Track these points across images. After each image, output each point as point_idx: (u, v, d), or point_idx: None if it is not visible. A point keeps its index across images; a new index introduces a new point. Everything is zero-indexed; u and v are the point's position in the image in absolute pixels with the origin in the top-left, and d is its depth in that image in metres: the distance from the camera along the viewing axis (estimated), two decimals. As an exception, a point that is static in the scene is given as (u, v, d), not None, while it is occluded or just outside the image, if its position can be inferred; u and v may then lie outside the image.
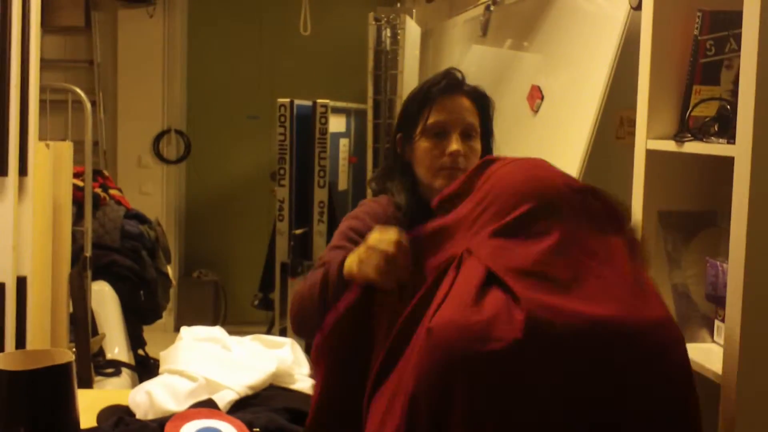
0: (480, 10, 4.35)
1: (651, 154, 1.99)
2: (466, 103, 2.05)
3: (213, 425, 2.08)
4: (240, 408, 2.20)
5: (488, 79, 4.04)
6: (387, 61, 4.83)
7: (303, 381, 2.40)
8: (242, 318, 6.37)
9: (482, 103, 2.10)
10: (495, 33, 4.18)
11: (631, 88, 2.09)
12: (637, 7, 2.16)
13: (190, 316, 6.28)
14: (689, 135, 1.88)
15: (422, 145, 2.05)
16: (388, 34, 4.85)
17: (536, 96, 3.28)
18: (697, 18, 1.93)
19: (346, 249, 1.83)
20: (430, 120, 2.04)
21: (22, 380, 1.95)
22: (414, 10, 5.41)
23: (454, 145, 2.00)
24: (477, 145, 2.05)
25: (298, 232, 4.87)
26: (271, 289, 5.14)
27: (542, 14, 3.47)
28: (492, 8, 4.18)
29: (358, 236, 1.93)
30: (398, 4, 5.66)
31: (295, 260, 4.85)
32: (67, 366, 1.98)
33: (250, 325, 5.03)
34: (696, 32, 1.93)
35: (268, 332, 4.81)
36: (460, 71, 2.11)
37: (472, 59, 4.48)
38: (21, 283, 2.96)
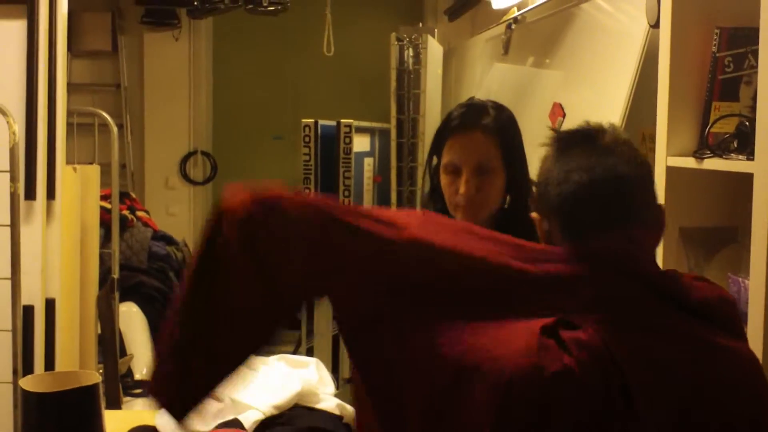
0: (502, 28, 4.37)
1: (671, 171, 2.00)
2: (480, 138, 2.02)
3: (236, 445, 2.10)
4: (265, 428, 2.21)
5: (510, 97, 4.05)
6: (410, 81, 4.86)
7: (328, 401, 2.41)
8: (269, 338, 6.39)
9: (503, 134, 2.06)
10: (517, 51, 4.19)
11: (652, 105, 2.10)
12: (655, 25, 2.17)
13: (217, 336, 6.29)
14: (709, 151, 1.88)
15: (442, 179, 2.07)
16: (411, 54, 4.88)
17: (558, 113, 3.28)
18: (715, 35, 1.93)
19: None
20: (444, 159, 2.06)
21: (49, 402, 1.98)
22: (436, 30, 5.44)
23: (463, 187, 2.00)
24: (494, 179, 2.03)
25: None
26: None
27: (563, 32, 3.48)
28: (513, 26, 4.19)
29: None
30: (420, 24, 5.68)
31: (322, 279, 4.86)
32: (93, 387, 2.01)
33: (276, 345, 5.04)
34: (714, 49, 1.94)
35: (295, 352, 4.82)
36: (481, 101, 2.10)
37: (494, 77, 4.49)
38: (50, 305, 3.00)
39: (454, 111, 2.10)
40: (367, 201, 5.30)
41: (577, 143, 1.38)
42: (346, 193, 4.91)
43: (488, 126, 2.03)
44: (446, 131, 2.07)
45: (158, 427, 2.27)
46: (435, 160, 2.16)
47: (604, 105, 2.89)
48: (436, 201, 2.15)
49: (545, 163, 1.41)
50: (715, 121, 1.92)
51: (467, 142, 2.02)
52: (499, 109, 2.10)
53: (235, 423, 2.19)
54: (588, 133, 1.39)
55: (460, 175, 2.02)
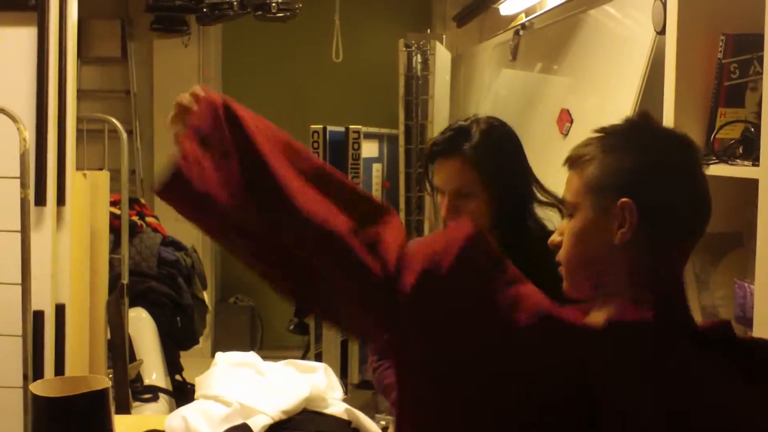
0: (510, 34, 4.38)
1: (677, 177, 2.00)
2: (458, 165, 2.08)
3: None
4: (274, 432, 2.22)
5: (518, 103, 4.06)
6: (418, 87, 4.87)
7: (336, 405, 2.42)
8: (278, 343, 6.40)
9: (485, 158, 2.10)
10: (525, 57, 4.20)
11: (659, 111, 2.11)
12: (662, 32, 2.18)
13: (226, 341, 6.32)
14: (714, 157, 1.89)
15: (436, 196, 2.19)
16: (419, 60, 4.89)
17: (566, 119, 3.29)
18: (721, 42, 1.94)
19: None
20: (433, 179, 2.16)
21: (59, 406, 1.99)
22: (444, 36, 5.46)
23: (443, 210, 2.10)
24: (473, 202, 2.08)
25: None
26: (307, 313, 5.16)
27: (571, 38, 3.49)
28: (521, 33, 4.21)
29: None
30: (428, 30, 5.70)
31: (330, 285, 4.87)
32: (103, 392, 2.02)
33: (286, 350, 5.06)
34: (720, 55, 1.95)
35: (304, 357, 4.84)
36: (467, 124, 2.14)
37: (503, 83, 4.50)
38: (59, 310, 3.01)
39: (439, 135, 2.18)
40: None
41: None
42: (355, 198, 4.91)
43: (468, 152, 2.09)
44: (431, 155, 2.16)
45: (168, 431, 2.28)
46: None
47: (612, 111, 2.90)
48: None
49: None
50: (720, 127, 1.93)
51: (447, 168, 2.11)
52: (488, 129, 2.14)
53: (244, 427, 2.20)
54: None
55: (443, 196, 2.12)
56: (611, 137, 1.34)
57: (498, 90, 4.57)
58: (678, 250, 1.31)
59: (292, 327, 5.44)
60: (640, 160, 1.29)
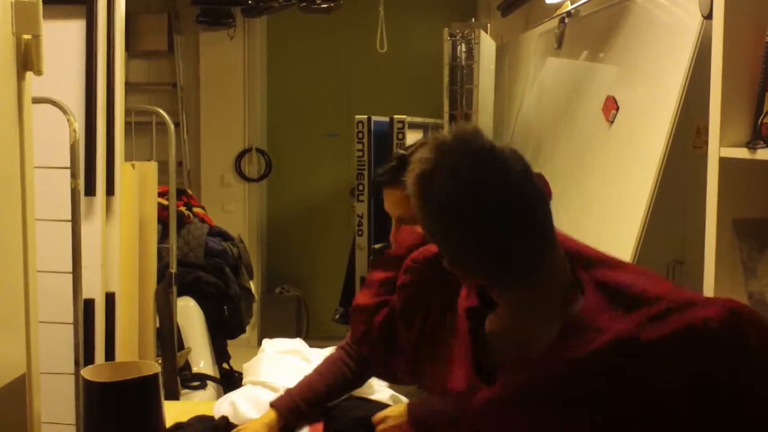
0: (555, 22, 4.36)
1: (724, 162, 1.99)
2: (398, 194, 2.13)
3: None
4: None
5: (564, 92, 4.04)
6: (462, 76, 4.85)
7: (382, 392, 2.44)
8: (324, 332, 6.44)
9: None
10: (570, 45, 4.18)
11: (706, 98, 2.09)
12: (708, 16, 2.16)
13: (272, 331, 6.35)
14: (762, 142, 1.87)
15: None
16: (464, 49, 4.87)
17: (611, 107, 3.27)
18: (769, 25, 1.92)
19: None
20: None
21: (110, 391, 2.03)
22: (489, 25, 5.43)
23: (392, 233, 2.19)
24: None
25: (377, 246, 4.90)
26: (352, 303, 5.18)
27: (616, 25, 3.47)
28: (567, 21, 4.18)
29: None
30: (473, 20, 5.68)
31: (375, 274, 4.88)
32: (153, 377, 2.06)
33: (331, 340, 5.05)
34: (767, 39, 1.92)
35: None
36: (407, 153, 2.17)
37: (548, 72, 4.48)
38: (109, 299, 3.05)
39: (383, 165, 2.25)
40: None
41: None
42: (400, 188, 4.92)
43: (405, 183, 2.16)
44: (378, 183, 2.27)
45: (216, 416, 2.32)
46: None
47: (658, 98, 2.88)
48: None
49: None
50: (768, 112, 1.91)
51: (391, 197, 2.19)
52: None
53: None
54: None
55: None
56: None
57: (543, 78, 4.55)
58: None
59: (337, 317, 5.46)
60: None
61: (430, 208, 1.38)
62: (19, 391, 2.01)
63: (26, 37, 2.01)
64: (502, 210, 1.32)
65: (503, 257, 1.34)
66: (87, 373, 2.09)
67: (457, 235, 1.35)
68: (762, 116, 1.91)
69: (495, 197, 1.33)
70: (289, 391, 2.27)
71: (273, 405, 2.23)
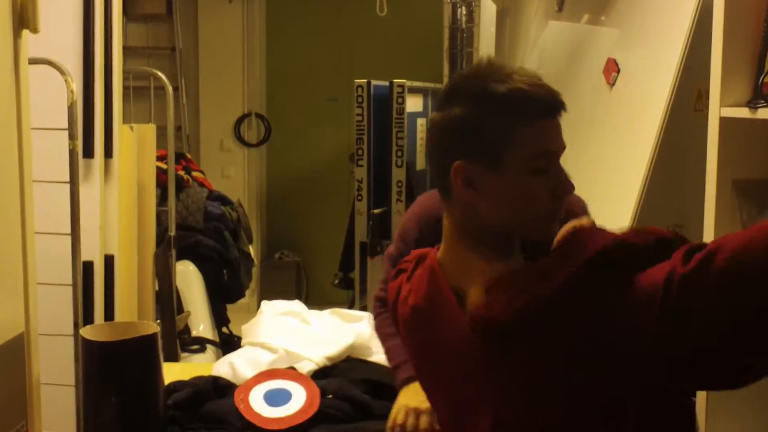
0: (556, -15, 4.33)
1: (724, 122, 1.97)
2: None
3: (283, 386, 2.14)
4: (319, 378, 2.25)
5: (565, 55, 4.02)
6: (463, 40, 4.83)
7: (380, 354, 2.44)
8: (323, 298, 6.45)
9: None
10: (571, 8, 4.14)
11: (708, 61, 2.07)
12: (710, -25, 2.14)
13: (272, 296, 6.27)
14: (763, 101, 1.86)
15: None
16: (464, 13, 4.85)
17: (612, 69, 3.25)
18: (771, -16, 1.90)
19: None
20: None
21: (110, 350, 2.03)
22: (489, -12, 5.39)
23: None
24: None
25: (377, 211, 4.90)
26: (351, 268, 5.19)
27: (618, -13, 3.44)
28: (568, -17, 4.15)
29: (406, 246, 1.95)
30: (474, -17, 5.64)
31: (374, 239, 4.88)
32: (152, 337, 2.06)
33: (330, 305, 5.03)
34: (770, -2, 1.91)
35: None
36: None
37: (549, 35, 4.45)
38: (108, 261, 3.06)
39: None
40: (420, 162, 5.30)
41: None
42: (399, 153, 4.91)
43: None
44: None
45: (216, 375, 2.32)
46: None
47: (660, 60, 2.86)
48: None
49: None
50: (769, 71, 1.89)
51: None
52: None
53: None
54: None
55: None
56: None
57: (544, 42, 4.52)
58: None
59: (336, 282, 5.47)
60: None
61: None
62: (17, 350, 2.02)
63: (22, -6, 1.99)
64: None
65: None
66: (86, 332, 2.09)
67: None
68: (763, 75, 1.90)
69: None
70: (406, 360, 1.98)
71: (410, 378, 1.97)
